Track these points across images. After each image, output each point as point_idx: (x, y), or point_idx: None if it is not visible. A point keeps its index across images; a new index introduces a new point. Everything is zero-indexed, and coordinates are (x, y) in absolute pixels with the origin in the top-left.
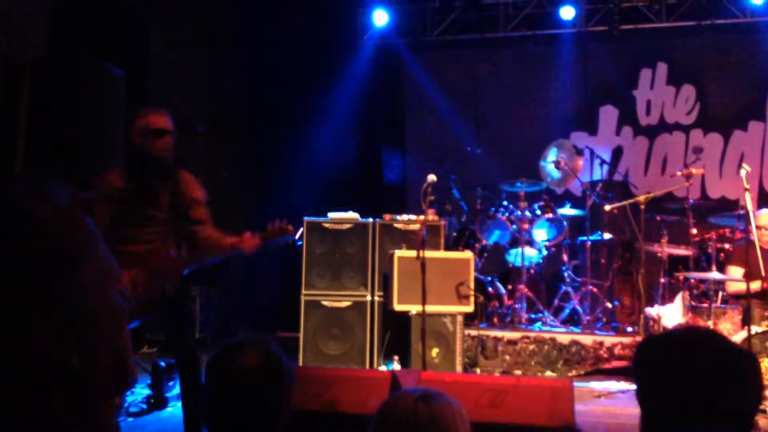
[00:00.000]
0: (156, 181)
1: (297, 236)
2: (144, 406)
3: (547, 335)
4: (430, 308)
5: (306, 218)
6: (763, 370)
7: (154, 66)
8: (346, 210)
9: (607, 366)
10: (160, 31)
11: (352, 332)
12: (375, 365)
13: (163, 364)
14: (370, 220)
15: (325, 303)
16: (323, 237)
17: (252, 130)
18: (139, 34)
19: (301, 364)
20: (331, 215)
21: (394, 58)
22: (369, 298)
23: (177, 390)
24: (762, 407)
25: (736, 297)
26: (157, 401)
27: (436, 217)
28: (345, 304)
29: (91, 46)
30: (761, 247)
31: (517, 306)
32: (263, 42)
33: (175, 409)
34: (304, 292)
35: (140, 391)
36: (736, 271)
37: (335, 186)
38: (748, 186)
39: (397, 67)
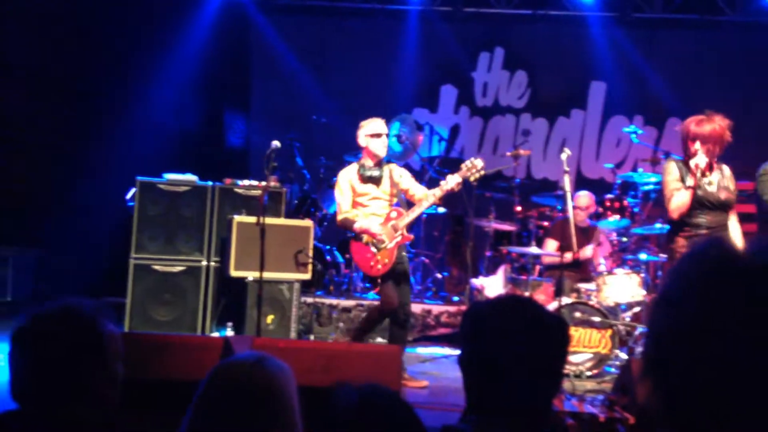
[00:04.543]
0: None
1: (129, 196)
2: None
3: None
4: (268, 275)
5: (139, 178)
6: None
7: None
8: (184, 173)
9: (433, 333)
10: None
11: (185, 298)
12: (207, 331)
13: None
14: (210, 183)
15: (156, 267)
16: (157, 198)
17: (84, 83)
18: None
19: (127, 330)
20: (167, 176)
21: (242, 18)
22: (204, 263)
23: None
24: (565, 371)
25: (550, 268)
26: None
27: (278, 184)
28: (178, 268)
29: None
30: (576, 225)
31: (353, 275)
32: None
33: None
34: (133, 255)
35: None
36: (551, 244)
37: (174, 148)
38: (567, 169)
39: (245, 27)
